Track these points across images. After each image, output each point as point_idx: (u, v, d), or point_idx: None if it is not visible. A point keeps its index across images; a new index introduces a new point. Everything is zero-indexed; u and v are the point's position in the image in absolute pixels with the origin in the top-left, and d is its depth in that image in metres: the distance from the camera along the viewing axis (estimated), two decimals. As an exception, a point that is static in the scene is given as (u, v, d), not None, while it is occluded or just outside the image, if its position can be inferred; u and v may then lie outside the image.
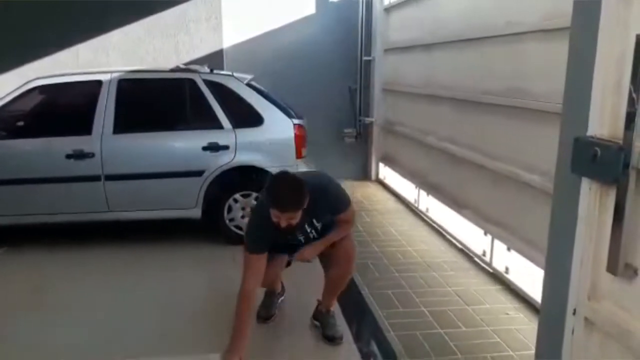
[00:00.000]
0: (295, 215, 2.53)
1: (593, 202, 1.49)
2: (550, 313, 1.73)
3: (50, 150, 4.26)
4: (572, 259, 1.57)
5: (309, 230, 2.82)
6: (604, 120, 1.45)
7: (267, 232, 2.63)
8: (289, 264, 3.06)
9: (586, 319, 1.52)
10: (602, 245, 1.47)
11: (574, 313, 1.56)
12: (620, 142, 1.34)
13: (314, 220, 2.79)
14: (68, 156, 4.19)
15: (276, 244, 2.78)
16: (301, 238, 2.85)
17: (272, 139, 4.44)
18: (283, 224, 2.52)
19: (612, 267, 1.39)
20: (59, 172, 4.23)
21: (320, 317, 3.05)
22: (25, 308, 3.35)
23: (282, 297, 3.31)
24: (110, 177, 4.26)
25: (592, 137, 1.46)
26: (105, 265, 4.08)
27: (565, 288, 1.59)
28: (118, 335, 3.01)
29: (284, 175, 2.60)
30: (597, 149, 1.41)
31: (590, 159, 1.43)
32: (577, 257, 1.55)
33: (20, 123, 4.57)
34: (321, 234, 2.86)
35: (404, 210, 5.85)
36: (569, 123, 1.62)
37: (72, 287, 3.71)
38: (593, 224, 1.50)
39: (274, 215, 2.52)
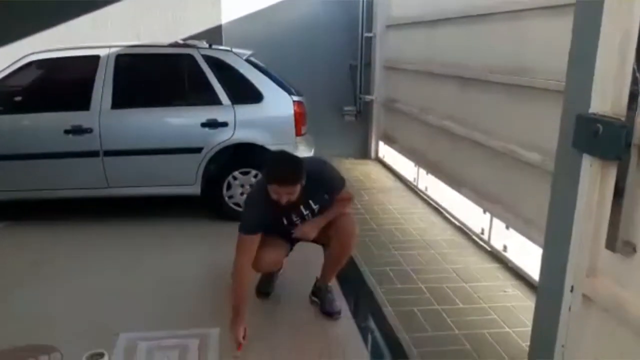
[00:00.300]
0: (294, 190, 2.55)
1: (594, 179, 1.48)
2: (548, 290, 1.75)
3: (48, 125, 4.23)
4: (572, 236, 1.57)
5: (305, 212, 2.83)
6: (607, 97, 1.44)
7: (263, 213, 2.67)
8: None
9: (584, 295, 1.53)
10: (601, 223, 1.47)
11: (572, 290, 1.57)
12: (623, 119, 1.33)
13: (311, 202, 2.80)
14: (66, 131, 4.16)
15: (274, 226, 2.81)
16: (297, 221, 2.86)
17: (272, 116, 4.41)
18: (283, 199, 2.55)
19: (611, 244, 1.39)
20: (58, 148, 4.20)
21: (319, 294, 3.08)
22: (25, 282, 3.37)
23: (281, 271, 3.32)
24: (109, 153, 4.24)
25: (594, 114, 1.45)
26: (106, 241, 4.10)
27: (563, 265, 1.60)
28: (118, 309, 3.03)
29: (281, 152, 2.71)
30: (599, 125, 1.40)
31: (592, 136, 1.43)
32: (576, 234, 1.55)
33: (18, 98, 4.54)
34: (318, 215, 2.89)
35: (403, 188, 5.85)
36: (571, 100, 1.61)
37: (72, 262, 3.72)
38: (593, 201, 1.50)
39: (274, 191, 2.54)
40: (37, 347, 2.61)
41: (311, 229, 2.82)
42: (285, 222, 2.85)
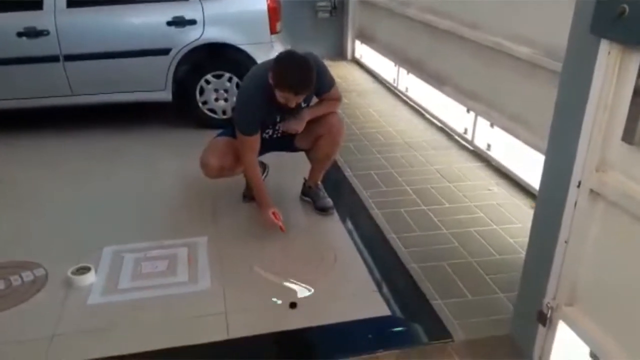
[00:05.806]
0: (306, 97, 2.57)
1: (612, 67, 1.37)
2: (551, 187, 1.69)
3: (-2, 27, 3.84)
4: (581, 130, 1.49)
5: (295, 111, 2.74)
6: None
7: (261, 112, 2.61)
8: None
9: (591, 190, 1.48)
10: (616, 115, 1.39)
11: (579, 185, 1.51)
12: (655, -3, 1.20)
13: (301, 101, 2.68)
14: (19, 34, 3.79)
15: (264, 123, 2.72)
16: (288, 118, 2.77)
17: (244, 11, 4.08)
18: (292, 104, 2.49)
19: (629, 136, 1.32)
20: (12, 53, 3.85)
21: (310, 192, 3.06)
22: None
23: (266, 174, 3.23)
24: (70, 57, 3.90)
25: (618, -8, 1.31)
26: (76, 155, 3.88)
27: (570, 161, 1.53)
28: (98, 224, 2.91)
29: (293, 56, 2.46)
30: (625, 5, 1.27)
31: (616, 18, 1.30)
32: (587, 127, 1.47)
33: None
34: None
35: (382, 90, 5.69)
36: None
37: (42, 179, 3.51)
38: (608, 92, 1.40)
39: (283, 97, 2.43)
40: (19, 263, 2.53)
41: (297, 123, 2.73)
42: (278, 119, 2.76)
